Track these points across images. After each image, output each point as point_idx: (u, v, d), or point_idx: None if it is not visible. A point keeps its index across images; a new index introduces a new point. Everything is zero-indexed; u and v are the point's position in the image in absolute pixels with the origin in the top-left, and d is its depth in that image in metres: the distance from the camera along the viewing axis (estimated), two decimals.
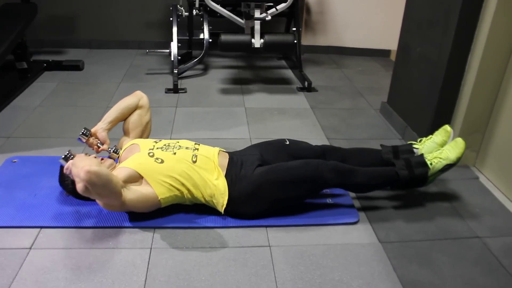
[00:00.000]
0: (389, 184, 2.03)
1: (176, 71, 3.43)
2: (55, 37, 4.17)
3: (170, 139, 2.59)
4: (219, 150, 2.03)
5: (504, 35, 2.16)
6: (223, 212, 1.89)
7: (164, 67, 3.82)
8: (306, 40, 4.33)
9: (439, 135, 2.17)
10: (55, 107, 2.99)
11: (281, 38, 3.26)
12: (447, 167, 1.98)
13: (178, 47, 3.55)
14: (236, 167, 1.92)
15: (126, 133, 2.18)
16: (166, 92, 3.30)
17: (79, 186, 1.63)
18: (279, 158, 2.01)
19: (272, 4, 3.37)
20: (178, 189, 1.84)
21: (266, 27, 3.48)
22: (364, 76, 3.89)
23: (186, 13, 3.69)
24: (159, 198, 1.81)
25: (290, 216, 1.95)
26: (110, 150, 2.05)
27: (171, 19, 3.63)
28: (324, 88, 3.53)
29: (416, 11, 2.65)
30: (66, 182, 1.94)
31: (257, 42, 3.19)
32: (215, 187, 1.85)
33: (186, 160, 1.88)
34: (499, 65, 2.23)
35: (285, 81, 3.69)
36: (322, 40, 4.38)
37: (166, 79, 3.55)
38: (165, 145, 1.96)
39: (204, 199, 1.87)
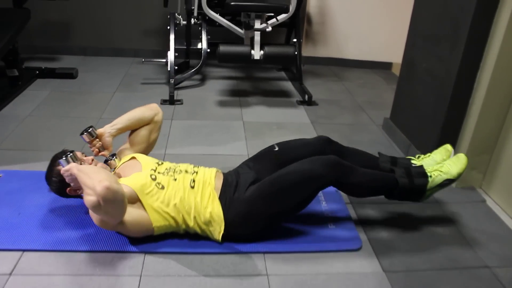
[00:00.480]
0: (386, 191, 1.88)
1: (172, 81, 3.33)
2: (49, 43, 4.06)
3: (165, 154, 2.49)
4: (216, 171, 1.91)
5: None
6: (221, 240, 1.78)
7: (160, 77, 3.72)
8: (307, 51, 4.24)
9: (439, 154, 2.05)
10: (46, 117, 2.87)
11: (282, 50, 3.17)
12: (447, 182, 1.86)
13: (175, 57, 3.45)
14: (230, 189, 1.81)
15: (129, 143, 2.07)
16: (161, 104, 3.18)
17: (90, 200, 1.49)
18: (271, 168, 1.88)
19: (272, 14, 3.28)
20: (173, 218, 1.73)
21: (266, 38, 3.38)
22: (365, 90, 3.79)
23: (184, 22, 3.58)
24: (153, 226, 1.71)
25: (289, 242, 1.85)
26: (110, 158, 1.94)
27: (168, 27, 3.53)
28: (325, 101, 3.43)
29: (422, 25, 2.56)
30: (53, 179, 1.82)
31: (257, 53, 3.09)
32: (210, 214, 1.74)
33: (184, 187, 1.77)
34: (509, 83, 2.14)
35: (284, 93, 3.59)
36: (322, 52, 4.29)
37: (162, 90, 3.44)
38: (166, 169, 1.85)
39: (200, 227, 1.77)
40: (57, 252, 1.72)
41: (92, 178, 1.52)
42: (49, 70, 3.53)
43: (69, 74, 3.55)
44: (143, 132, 2.05)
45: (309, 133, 2.87)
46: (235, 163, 2.07)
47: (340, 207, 2.12)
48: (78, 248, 1.74)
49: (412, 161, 2.06)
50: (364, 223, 2.03)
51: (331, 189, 2.22)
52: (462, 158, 1.90)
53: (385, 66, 4.38)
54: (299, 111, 3.23)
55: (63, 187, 1.80)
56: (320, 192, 2.20)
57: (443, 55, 2.30)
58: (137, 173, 1.80)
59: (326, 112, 3.25)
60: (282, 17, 3.26)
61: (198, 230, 1.77)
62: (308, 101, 3.33)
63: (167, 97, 3.24)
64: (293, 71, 3.82)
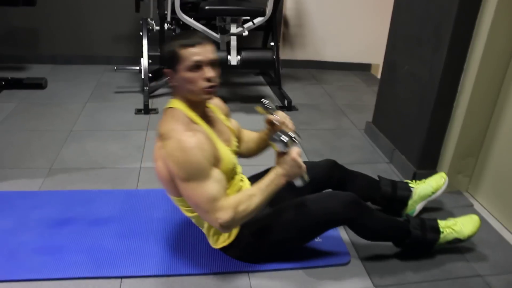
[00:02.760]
0: (397, 239, 1.80)
1: (147, 89, 3.20)
2: (16, 52, 3.88)
3: (140, 168, 2.37)
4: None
5: (499, 53, 2.03)
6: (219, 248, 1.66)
7: (134, 85, 3.58)
8: (284, 54, 4.15)
9: (433, 181, 2.05)
10: (12, 131, 2.71)
11: (260, 55, 3.08)
12: (456, 241, 1.81)
13: (149, 63, 3.32)
14: None
15: (247, 136, 1.85)
16: (136, 113, 3.06)
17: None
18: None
19: (248, 18, 3.18)
20: None
21: (242, 42, 3.29)
22: (345, 93, 3.73)
23: (157, 27, 3.46)
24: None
25: (274, 259, 1.74)
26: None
27: (141, 33, 3.40)
28: (305, 106, 3.35)
29: (403, 27, 2.49)
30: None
31: (234, 59, 3.00)
32: None
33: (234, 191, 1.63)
34: (494, 85, 2.10)
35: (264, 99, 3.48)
36: (300, 55, 4.22)
37: (137, 98, 3.31)
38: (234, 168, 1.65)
39: (209, 230, 1.65)
40: (24, 282, 1.58)
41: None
42: (16, 81, 3.37)
43: (38, 85, 3.39)
44: (255, 141, 1.83)
45: None
46: None
47: None
48: (49, 276, 1.60)
49: (410, 185, 2.05)
50: (351, 234, 1.94)
51: None
52: (475, 220, 1.84)
53: (364, 68, 4.33)
54: None
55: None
56: None
57: (426, 57, 2.24)
58: (228, 158, 1.55)
59: (307, 117, 3.17)
60: (258, 20, 3.17)
61: (205, 231, 1.67)
62: (287, 106, 3.24)
63: (141, 106, 3.11)
64: (271, 76, 3.73)
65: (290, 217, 1.61)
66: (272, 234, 1.62)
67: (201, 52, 1.43)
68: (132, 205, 2.04)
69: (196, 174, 1.39)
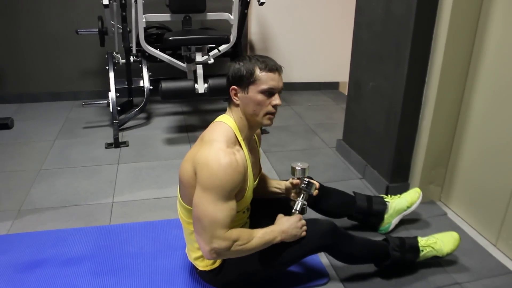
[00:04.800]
0: (377, 261, 1.81)
1: (116, 123, 3.17)
2: None
3: (113, 203, 2.33)
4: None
5: (457, 65, 2.09)
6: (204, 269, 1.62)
7: (103, 119, 3.54)
8: None
9: (408, 195, 2.12)
10: None
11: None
12: (436, 258, 1.85)
13: (117, 97, 3.29)
14: None
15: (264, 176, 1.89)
16: (106, 148, 3.02)
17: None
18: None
19: (214, 45, 3.21)
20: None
21: (210, 69, 3.31)
22: (315, 112, 3.77)
23: (123, 60, 3.44)
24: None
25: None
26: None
27: (107, 67, 3.39)
28: (276, 129, 3.37)
29: (364, 45, 2.55)
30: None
31: (201, 87, 3.00)
32: None
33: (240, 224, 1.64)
34: (455, 96, 2.15)
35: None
36: None
37: (106, 132, 3.27)
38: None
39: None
40: None
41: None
42: None
43: (4, 125, 3.32)
44: (269, 187, 1.88)
45: (263, 164, 2.77)
46: None
47: None
48: None
49: (385, 199, 2.10)
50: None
51: None
52: (456, 239, 1.87)
53: (332, 86, 4.40)
54: None
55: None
56: None
57: (389, 73, 2.29)
58: (250, 191, 1.57)
59: (278, 139, 3.19)
60: (223, 47, 3.20)
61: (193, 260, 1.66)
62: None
63: (111, 140, 3.08)
64: None
65: (270, 246, 1.57)
66: (253, 262, 1.59)
67: (277, 79, 1.50)
68: (105, 241, 2.00)
69: (218, 190, 1.39)
